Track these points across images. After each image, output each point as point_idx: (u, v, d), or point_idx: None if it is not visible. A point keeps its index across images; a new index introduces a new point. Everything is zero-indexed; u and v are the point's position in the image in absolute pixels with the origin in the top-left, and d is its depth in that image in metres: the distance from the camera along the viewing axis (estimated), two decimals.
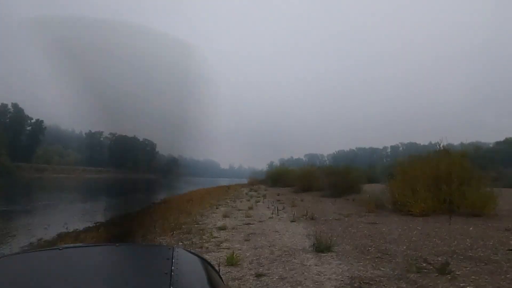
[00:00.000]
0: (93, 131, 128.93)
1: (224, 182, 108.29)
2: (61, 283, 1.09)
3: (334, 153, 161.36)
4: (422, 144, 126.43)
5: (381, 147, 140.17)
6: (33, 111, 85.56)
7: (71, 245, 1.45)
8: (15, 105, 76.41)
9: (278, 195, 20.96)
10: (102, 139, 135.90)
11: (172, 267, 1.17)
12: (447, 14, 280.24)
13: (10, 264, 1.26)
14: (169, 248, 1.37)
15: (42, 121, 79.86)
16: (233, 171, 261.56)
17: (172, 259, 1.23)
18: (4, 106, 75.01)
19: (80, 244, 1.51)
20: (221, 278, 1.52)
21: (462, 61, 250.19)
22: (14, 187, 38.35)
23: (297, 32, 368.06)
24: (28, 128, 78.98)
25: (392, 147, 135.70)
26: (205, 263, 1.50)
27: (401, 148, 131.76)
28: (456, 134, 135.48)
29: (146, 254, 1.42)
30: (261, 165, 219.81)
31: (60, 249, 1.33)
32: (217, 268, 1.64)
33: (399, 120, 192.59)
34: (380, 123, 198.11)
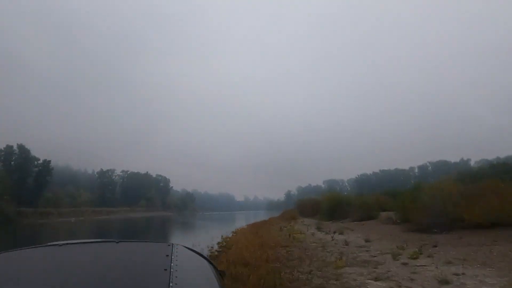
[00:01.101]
0: (104, 169, 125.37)
1: (242, 215, 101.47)
2: (60, 279, 1.13)
3: (356, 177, 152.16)
4: (453, 161, 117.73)
5: (407, 168, 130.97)
6: (43, 152, 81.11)
7: (71, 241, 1.45)
8: (20, 146, 71.79)
9: (420, 247, 10.17)
10: (114, 177, 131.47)
11: (172, 264, 1.21)
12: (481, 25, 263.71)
13: (10, 260, 1.31)
14: (169, 245, 1.43)
15: (49, 161, 74.68)
16: (249, 203, 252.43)
17: (172, 256, 1.29)
18: (9, 147, 70.42)
19: (80, 241, 1.48)
20: (220, 275, 1.53)
21: (497, 66, 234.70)
22: None
23: (313, 52, 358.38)
24: (35, 169, 73.92)
25: (419, 167, 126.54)
26: (205, 260, 1.54)
27: (430, 168, 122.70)
28: (490, 147, 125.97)
29: (145, 251, 1.46)
30: (277, 195, 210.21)
31: (60, 245, 1.38)
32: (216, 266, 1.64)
33: (425, 137, 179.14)
34: (404, 142, 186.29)
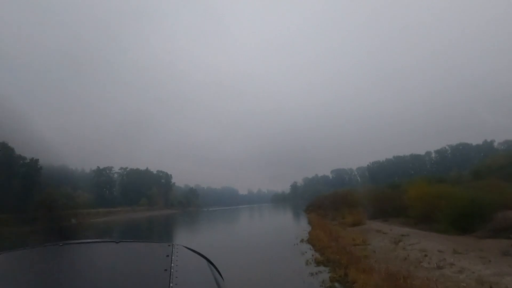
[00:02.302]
0: (101, 167, 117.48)
1: (249, 211, 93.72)
2: (61, 279, 1.14)
3: (368, 164, 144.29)
4: (474, 144, 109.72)
5: (423, 153, 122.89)
6: (35, 152, 72.67)
7: (72, 241, 1.46)
8: (3, 145, 63.59)
9: None
10: (112, 175, 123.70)
11: (172, 264, 1.22)
12: None
13: (11, 260, 1.31)
14: (169, 245, 1.43)
15: (37, 160, 66.48)
16: (253, 196, 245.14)
17: (172, 256, 1.30)
18: None
19: (80, 241, 1.48)
20: (220, 275, 1.51)
21: None
22: None
23: (319, 34, 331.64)
24: (22, 170, 65.85)
25: (437, 151, 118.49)
26: (205, 260, 1.53)
27: (449, 151, 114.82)
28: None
29: (146, 251, 1.46)
30: (281, 187, 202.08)
31: (60, 245, 1.38)
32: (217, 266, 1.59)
33: (444, 118, 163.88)
34: (419, 125, 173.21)
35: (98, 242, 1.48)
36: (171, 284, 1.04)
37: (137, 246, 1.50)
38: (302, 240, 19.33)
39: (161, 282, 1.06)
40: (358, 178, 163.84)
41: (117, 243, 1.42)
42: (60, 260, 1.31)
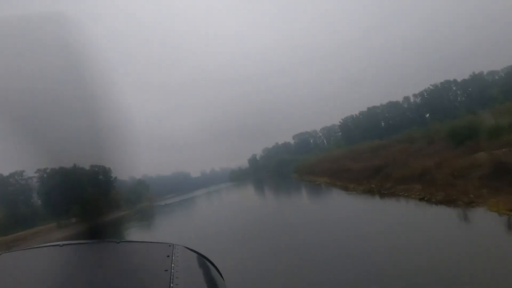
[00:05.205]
0: (5, 174, 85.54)
1: (213, 197, 72.85)
2: (61, 279, 1.15)
3: (340, 121, 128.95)
4: (460, 79, 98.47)
5: (400, 99, 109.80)
6: None
7: (72, 241, 1.45)
8: None
9: None
10: (26, 181, 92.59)
11: (172, 264, 1.24)
12: None
13: (11, 260, 1.33)
14: (169, 245, 1.44)
15: None
16: (206, 177, 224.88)
17: (173, 257, 1.32)
18: None
19: (81, 241, 1.48)
20: (221, 275, 1.52)
21: None
22: None
23: None
24: None
25: (416, 95, 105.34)
26: (205, 260, 1.53)
27: (433, 91, 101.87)
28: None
29: (146, 251, 1.46)
30: (237, 162, 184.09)
31: (60, 246, 1.39)
32: (217, 265, 1.60)
33: (425, 55, 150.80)
34: (396, 68, 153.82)
35: (99, 242, 1.44)
36: (171, 285, 1.05)
37: (137, 246, 1.48)
38: None
39: (161, 282, 1.07)
40: (325, 141, 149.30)
41: (117, 243, 1.38)
42: (60, 260, 1.28)
